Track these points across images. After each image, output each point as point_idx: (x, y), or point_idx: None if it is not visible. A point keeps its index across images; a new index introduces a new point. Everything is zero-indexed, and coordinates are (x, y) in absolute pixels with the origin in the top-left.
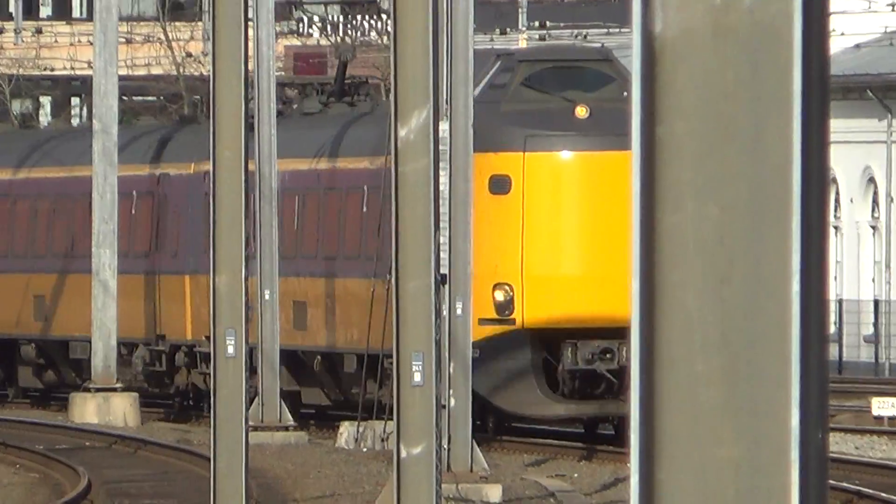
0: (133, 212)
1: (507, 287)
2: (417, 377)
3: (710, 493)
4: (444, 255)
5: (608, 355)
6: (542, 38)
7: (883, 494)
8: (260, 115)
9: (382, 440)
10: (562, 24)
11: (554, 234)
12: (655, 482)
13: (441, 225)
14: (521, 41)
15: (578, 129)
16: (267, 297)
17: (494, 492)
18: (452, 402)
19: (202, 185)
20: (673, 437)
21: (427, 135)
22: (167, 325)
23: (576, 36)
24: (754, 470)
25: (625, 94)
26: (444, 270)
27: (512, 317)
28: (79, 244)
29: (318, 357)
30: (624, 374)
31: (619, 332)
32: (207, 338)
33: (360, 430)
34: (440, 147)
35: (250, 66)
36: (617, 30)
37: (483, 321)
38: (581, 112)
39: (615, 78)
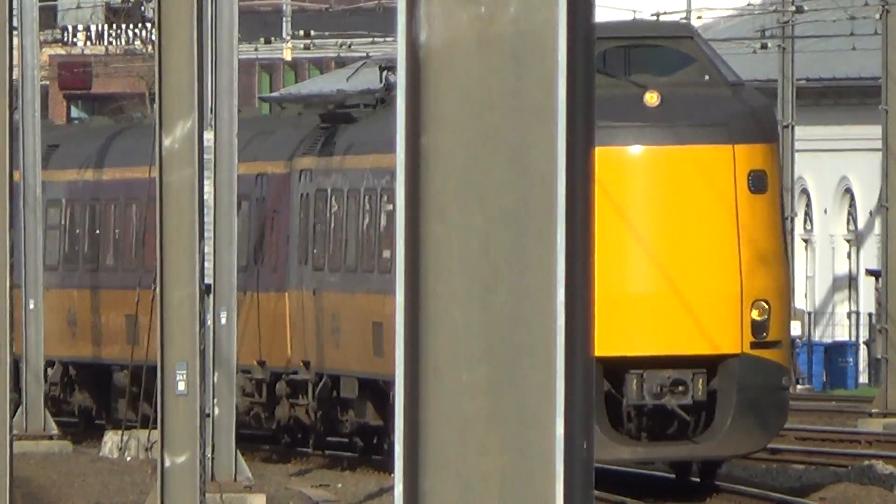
0: None
1: None
2: (181, 386)
3: (475, 503)
4: (208, 265)
5: (680, 388)
6: (306, 48)
7: None
8: (24, 123)
9: (147, 449)
10: (327, 33)
11: (618, 245)
12: (420, 493)
13: (206, 234)
14: (286, 51)
15: (647, 120)
16: (31, 306)
17: (258, 501)
18: (216, 411)
19: None
20: (438, 446)
21: (192, 144)
22: None
23: (340, 45)
24: (519, 480)
25: (707, 77)
26: (208, 280)
27: None
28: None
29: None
30: (700, 410)
31: (692, 361)
32: None
33: (125, 439)
34: (205, 156)
35: (15, 75)
36: (382, 39)
37: None
38: (651, 99)
39: (695, 59)
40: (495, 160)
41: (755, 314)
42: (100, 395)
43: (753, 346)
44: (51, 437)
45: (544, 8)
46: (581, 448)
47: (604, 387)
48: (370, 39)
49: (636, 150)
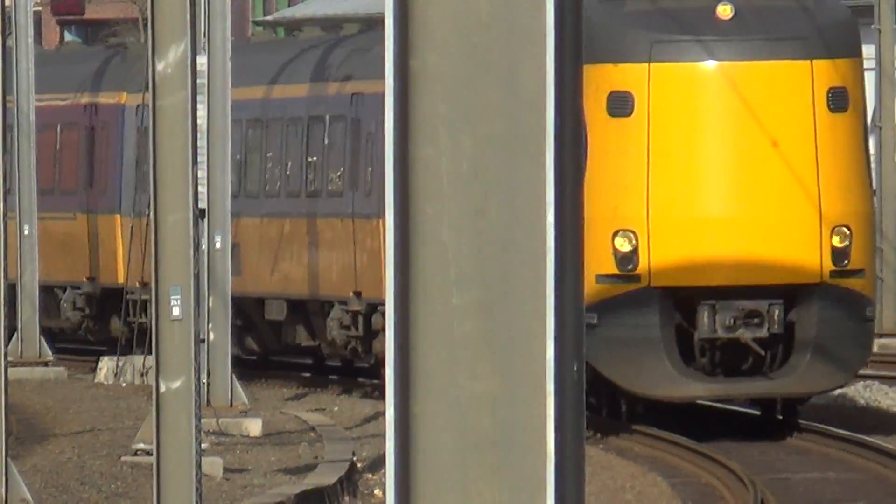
0: None
1: (630, 234)
2: (176, 311)
3: (467, 427)
4: (202, 190)
5: (756, 320)
6: None
7: None
8: (17, 49)
9: (142, 374)
10: None
11: (688, 167)
12: (411, 416)
13: (199, 159)
14: None
15: (720, 33)
16: (26, 232)
17: (255, 426)
18: (212, 336)
19: None
20: (429, 370)
21: (185, 68)
22: None
23: None
24: (511, 403)
25: None
26: (202, 205)
27: (636, 272)
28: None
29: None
30: (777, 344)
31: (769, 291)
32: None
33: (120, 364)
34: (198, 81)
35: (7, 2)
36: None
37: (601, 278)
38: (724, 11)
39: None
40: (485, 83)
41: (836, 241)
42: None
43: (834, 274)
44: (46, 364)
45: None
46: (572, 370)
47: (674, 319)
48: None
49: (708, 65)
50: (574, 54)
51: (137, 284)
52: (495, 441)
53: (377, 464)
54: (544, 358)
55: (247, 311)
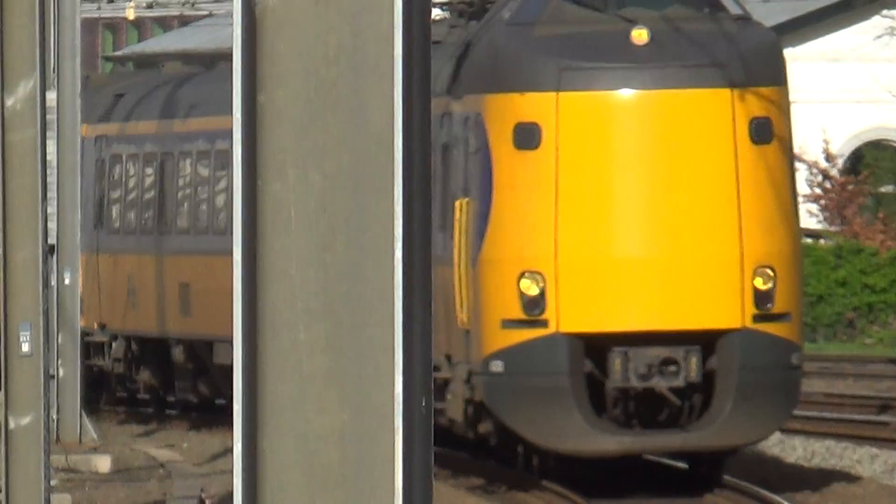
0: None
1: (537, 276)
2: (26, 347)
3: (315, 462)
4: (52, 226)
5: (672, 368)
6: (149, 6)
7: None
8: None
9: None
10: None
11: (599, 204)
12: (259, 451)
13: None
14: (129, 10)
15: (634, 60)
16: None
17: (104, 462)
18: (61, 372)
19: None
20: (277, 405)
21: (34, 104)
22: None
23: (183, 4)
24: (359, 437)
25: (706, 10)
26: (52, 241)
27: (544, 317)
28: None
29: None
30: (695, 394)
31: (686, 337)
32: None
33: None
34: (48, 116)
35: None
36: None
37: (507, 323)
38: (639, 36)
39: None
40: (333, 118)
41: (759, 282)
42: None
43: (756, 319)
44: None
45: None
46: (420, 405)
47: (585, 367)
48: None
49: (621, 94)
50: (422, 89)
51: None
52: (343, 476)
53: (226, 500)
54: (392, 393)
55: (199, 355)
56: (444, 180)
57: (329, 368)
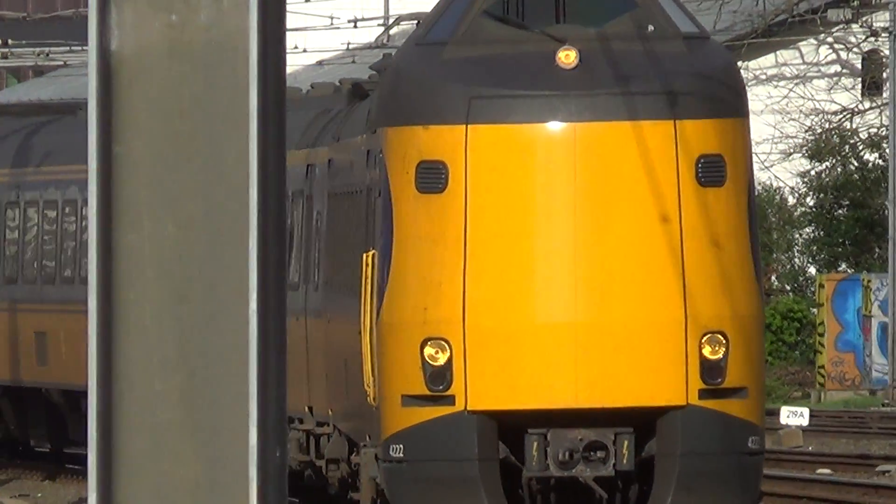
0: None
1: (442, 343)
2: None
3: None
4: None
5: (599, 454)
6: (3, 56)
7: None
8: None
9: None
10: (24, 42)
11: (514, 258)
12: (114, 502)
13: None
14: None
15: (560, 86)
16: None
17: None
18: None
19: None
20: (132, 456)
21: None
22: None
23: (38, 54)
24: (213, 489)
25: (651, 28)
26: None
27: (450, 392)
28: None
29: None
30: (627, 484)
31: (616, 417)
32: None
33: None
34: None
35: None
36: (80, 47)
37: (408, 399)
38: (566, 58)
39: (636, 5)
40: (188, 168)
41: (707, 351)
42: None
43: (704, 394)
44: None
45: (236, 15)
46: (274, 456)
47: (498, 452)
48: (68, 48)
49: (543, 127)
50: (277, 138)
51: None
52: None
53: None
54: (247, 444)
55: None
56: (343, 229)
57: (184, 419)
